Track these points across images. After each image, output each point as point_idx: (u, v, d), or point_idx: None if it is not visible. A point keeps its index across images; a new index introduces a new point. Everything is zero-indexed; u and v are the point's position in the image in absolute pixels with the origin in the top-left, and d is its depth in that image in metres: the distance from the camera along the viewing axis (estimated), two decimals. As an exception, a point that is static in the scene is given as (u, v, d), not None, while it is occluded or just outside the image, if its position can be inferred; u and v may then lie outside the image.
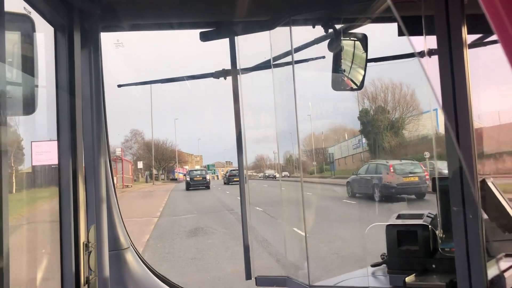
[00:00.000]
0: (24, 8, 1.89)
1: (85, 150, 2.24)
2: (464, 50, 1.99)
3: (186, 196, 33.21)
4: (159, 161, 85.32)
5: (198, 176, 41.16)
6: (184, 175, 61.13)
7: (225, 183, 47.68)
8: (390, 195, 19.46)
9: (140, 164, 74.44)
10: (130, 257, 2.71)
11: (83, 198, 2.16)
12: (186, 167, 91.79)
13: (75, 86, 2.14)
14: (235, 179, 40.55)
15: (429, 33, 2.19)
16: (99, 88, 2.35)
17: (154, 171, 78.35)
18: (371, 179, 20.34)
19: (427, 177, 19.64)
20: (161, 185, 59.95)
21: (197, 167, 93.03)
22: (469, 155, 1.92)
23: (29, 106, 2.07)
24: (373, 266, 2.49)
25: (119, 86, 3.06)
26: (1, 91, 1.47)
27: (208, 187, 40.55)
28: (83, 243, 2.11)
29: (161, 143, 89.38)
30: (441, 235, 2.23)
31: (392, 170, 20.37)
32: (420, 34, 2.37)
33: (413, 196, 19.72)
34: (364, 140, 45.88)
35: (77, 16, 2.20)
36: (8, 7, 1.59)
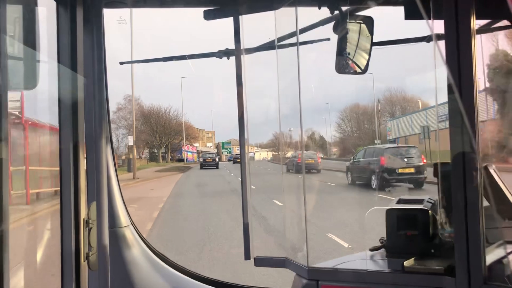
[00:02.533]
0: None
1: (87, 127, 2.24)
2: (472, 36, 1.97)
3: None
4: (160, 135, 65.40)
5: (209, 158, 50.99)
6: (197, 155, 67.68)
7: (233, 163, 60.02)
8: (299, 170, 27.81)
9: (130, 140, 48.65)
10: (130, 235, 2.72)
11: (84, 175, 2.16)
12: (197, 144, 77.69)
13: (77, 62, 2.12)
14: (238, 160, 53.06)
15: (437, 17, 2.16)
16: (101, 65, 2.33)
17: (135, 154, 44.51)
18: (292, 160, 30.00)
19: (319, 161, 34.49)
20: (147, 183, 30.17)
21: (209, 145, 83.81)
22: (473, 142, 1.92)
23: (30, 80, 2.05)
24: (371, 250, 2.50)
25: (121, 63, 3.04)
26: (2, 64, 1.45)
27: (217, 167, 49.14)
28: (84, 219, 2.11)
29: (163, 111, 67.36)
30: (441, 220, 2.24)
31: (299, 156, 30.76)
32: (428, 18, 2.34)
33: (315, 171, 32.41)
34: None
35: None
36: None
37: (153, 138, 65.17)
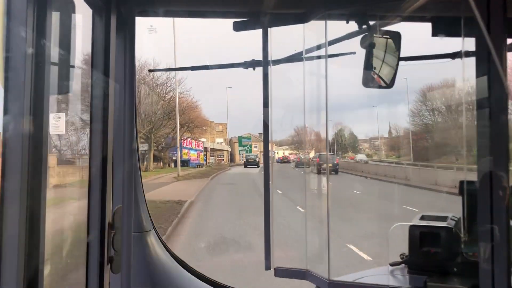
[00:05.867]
0: None
1: (115, 133, 2.28)
2: (504, 54, 1.96)
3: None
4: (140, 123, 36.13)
5: (251, 159, 59.44)
6: (204, 155, 58.29)
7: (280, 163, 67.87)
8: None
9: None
10: (152, 240, 2.75)
11: (110, 180, 2.19)
12: (204, 139, 56.20)
13: (109, 69, 2.17)
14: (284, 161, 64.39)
15: (468, 35, 2.16)
16: (132, 72, 2.37)
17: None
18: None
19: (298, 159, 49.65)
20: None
21: (219, 140, 69.08)
22: (502, 161, 1.90)
23: (63, 86, 2.10)
24: (392, 265, 2.48)
25: (150, 71, 3.12)
26: (45, 70, 1.49)
27: (258, 166, 54.93)
28: (109, 223, 2.14)
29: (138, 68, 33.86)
30: (465, 239, 2.22)
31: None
32: (456, 35, 2.34)
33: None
34: None
35: (114, 0, 2.22)
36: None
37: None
